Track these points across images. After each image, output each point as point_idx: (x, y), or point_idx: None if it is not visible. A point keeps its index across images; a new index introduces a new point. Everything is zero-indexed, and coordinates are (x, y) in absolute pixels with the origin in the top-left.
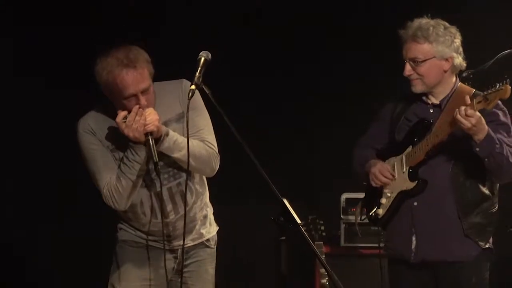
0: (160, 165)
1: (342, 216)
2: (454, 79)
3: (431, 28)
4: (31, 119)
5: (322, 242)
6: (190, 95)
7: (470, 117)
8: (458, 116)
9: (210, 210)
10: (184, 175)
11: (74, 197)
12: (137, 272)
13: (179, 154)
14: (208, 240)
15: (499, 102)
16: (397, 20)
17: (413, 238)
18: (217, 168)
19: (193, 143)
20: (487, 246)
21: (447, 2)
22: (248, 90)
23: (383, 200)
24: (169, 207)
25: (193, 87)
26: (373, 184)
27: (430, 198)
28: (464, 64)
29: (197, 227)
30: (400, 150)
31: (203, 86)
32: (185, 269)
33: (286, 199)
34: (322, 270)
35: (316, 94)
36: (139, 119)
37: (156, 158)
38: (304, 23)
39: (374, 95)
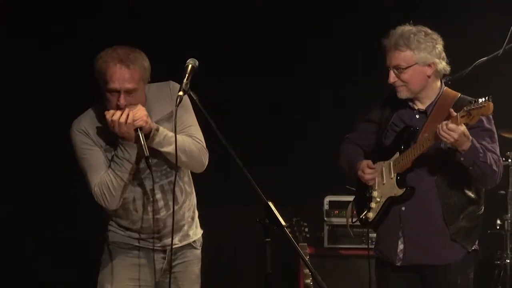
0: (152, 163)
1: (325, 218)
2: (439, 84)
3: (412, 35)
4: (28, 122)
5: (306, 244)
6: (178, 102)
7: (452, 132)
8: (441, 132)
9: (196, 213)
10: (175, 173)
11: (70, 199)
12: (127, 273)
13: (170, 149)
14: (194, 241)
15: None
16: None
17: (400, 242)
18: (207, 163)
19: (183, 138)
20: (473, 249)
21: (433, 7)
22: (234, 93)
23: (373, 204)
24: (160, 203)
25: (181, 93)
26: (365, 182)
27: (417, 203)
28: (448, 68)
29: (185, 227)
30: (387, 156)
31: (191, 92)
32: (173, 270)
33: (271, 201)
34: (306, 271)
35: (300, 97)
36: (125, 116)
37: (147, 152)
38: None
39: (358, 99)
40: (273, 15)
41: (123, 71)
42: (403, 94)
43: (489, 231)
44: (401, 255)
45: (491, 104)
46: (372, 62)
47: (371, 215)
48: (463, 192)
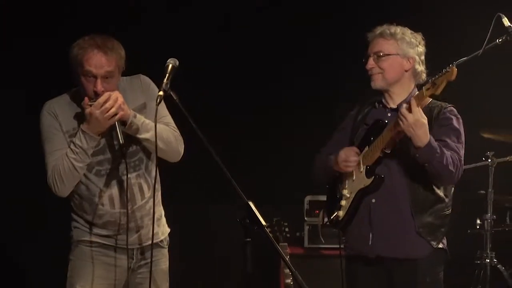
0: (120, 154)
1: (305, 218)
2: (412, 85)
3: (398, 29)
4: (14, 122)
5: (286, 243)
6: (158, 101)
7: (409, 114)
8: (401, 110)
9: (163, 211)
10: (143, 167)
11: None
12: (95, 272)
13: (148, 135)
14: (161, 241)
15: (454, 109)
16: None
17: (371, 235)
18: (182, 152)
19: (160, 126)
20: (440, 246)
21: (414, 7)
22: (215, 94)
23: (343, 202)
24: (127, 196)
25: (161, 93)
26: (346, 169)
27: (386, 195)
28: (424, 77)
29: (150, 226)
30: (359, 153)
31: (171, 93)
32: (140, 270)
33: (251, 201)
34: (287, 271)
35: (279, 99)
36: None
37: (122, 140)
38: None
39: (339, 99)
40: (259, 16)
41: (101, 56)
42: (377, 83)
43: (469, 231)
44: (372, 247)
45: (455, 69)
46: (355, 65)
47: (341, 213)
48: (431, 189)
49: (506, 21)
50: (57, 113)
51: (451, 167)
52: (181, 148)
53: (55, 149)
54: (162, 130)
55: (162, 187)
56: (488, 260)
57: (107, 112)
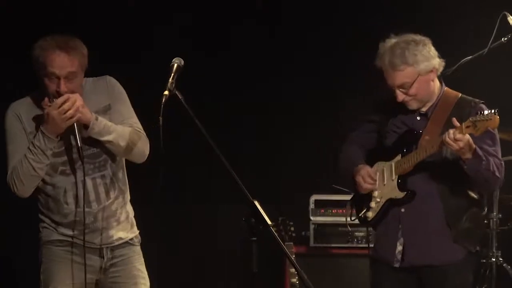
0: (86, 154)
1: (311, 217)
2: (438, 83)
3: (406, 51)
4: None
5: (292, 243)
6: (163, 100)
7: (459, 141)
8: (447, 140)
9: (131, 212)
10: (108, 168)
11: None
12: (66, 273)
13: (110, 137)
14: (131, 239)
15: (483, 106)
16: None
17: (398, 244)
18: (148, 153)
19: (123, 128)
20: (476, 250)
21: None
22: (220, 93)
23: (373, 204)
24: (91, 196)
25: (166, 92)
26: (360, 192)
27: (417, 205)
28: (443, 63)
29: (116, 225)
30: (389, 157)
31: (176, 92)
32: (113, 268)
33: (257, 200)
34: (292, 270)
35: (284, 96)
36: (65, 104)
37: (80, 142)
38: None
39: (344, 98)
40: (260, 15)
41: (63, 57)
42: (413, 106)
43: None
44: (399, 257)
45: (497, 118)
46: (358, 62)
47: (370, 214)
48: (465, 193)
49: (511, 20)
50: (21, 114)
51: (497, 173)
52: (146, 150)
53: (17, 151)
54: (125, 131)
55: (169, 186)
56: (494, 259)
57: (65, 113)
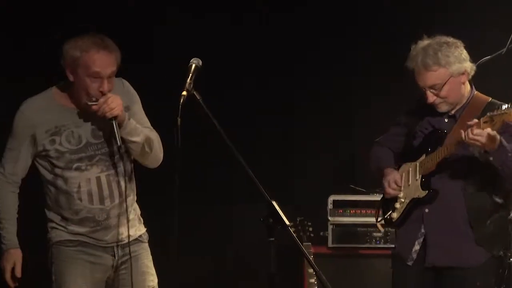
0: (102, 152)
1: (329, 218)
2: (469, 87)
3: (438, 53)
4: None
5: (310, 243)
6: (181, 101)
7: (479, 136)
8: (468, 139)
9: (138, 210)
10: (121, 166)
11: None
12: (78, 272)
13: (138, 138)
14: (140, 236)
15: None
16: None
17: (416, 243)
18: (162, 159)
19: (150, 131)
20: (499, 254)
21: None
22: (236, 93)
23: (397, 205)
24: (105, 193)
25: (184, 93)
26: (386, 196)
27: (441, 206)
28: (474, 67)
29: (128, 223)
30: (414, 157)
31: (194, 92)
32: (123, 265)
33: (275, 201)
34: (310, 270)
35: (303, 96)
36: (106, 102)
37: (120, 142)
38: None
39: (361, 98)
40: (272, 15)
41: (106, 56)
42: (443, 109)
43: None
44: (414, 256)
45: None
46: (374, 62)
47: (395, 215)
48: (490, 196)
49: None
50: (33, 114)
51: None
52: (161, 155)
53: (11, 147)
54: (151, 135)
55: (186, 187)
56: None
57: (111, 110)
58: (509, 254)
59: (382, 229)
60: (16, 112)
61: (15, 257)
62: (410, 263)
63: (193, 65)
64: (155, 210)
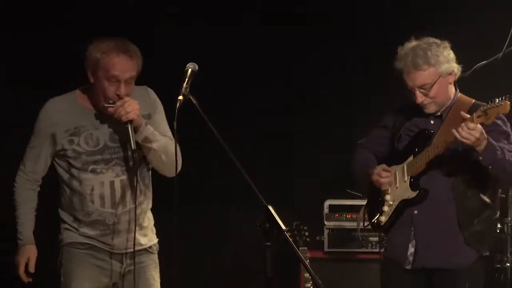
0: (118, 156)
1: (325, 222)
2: (453, 89)
3: (428, 52)
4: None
5: (306, 247)
6: (178, 106)
7: (473, 131)
8: (463, 133)
9: (152, 219)
10: (137, 172)
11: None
12: (86, 275)
13: (155, 145)
14: (150, 247)
15: None
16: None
17: (410, 246)
18: (180, 168)
19: (167, 140)
20: (486, 254)
21: (433, 10)
22: (233, 96)
23: (385, 208)
24: (118, 197)
25: (180, 97)
26: (381, 188)
27: (430, 207)
28: (461, 69)
29: (139, 231)
30: (400, 160)
31: (190, 97)
32: (130, 275)
33: (271, 205)
34: (307, 275)
35: (299, 101)
36: (122, 106)
37: (134, 146)
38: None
39: (360, 101)
40: (273, 15)
41: (126, 60)
42: (431, 109)
43: None
44: (410, 258)
45: (508, 103)
46: (374, 62)
47: (383, 218)
48: (478, 196)
49: None
50: (57, 114)
51: None
52: (179, 166)
53: (32, 146)
54: (168, 144)
55: (182, 190)
56: (509, 264)
57: (126, 114)
58: (505, 259)
59: (361, 234)
60: (40, 110)
61: (30, 253)
62: (408, 267)
63: (189, 70)
64: (153, 213)
